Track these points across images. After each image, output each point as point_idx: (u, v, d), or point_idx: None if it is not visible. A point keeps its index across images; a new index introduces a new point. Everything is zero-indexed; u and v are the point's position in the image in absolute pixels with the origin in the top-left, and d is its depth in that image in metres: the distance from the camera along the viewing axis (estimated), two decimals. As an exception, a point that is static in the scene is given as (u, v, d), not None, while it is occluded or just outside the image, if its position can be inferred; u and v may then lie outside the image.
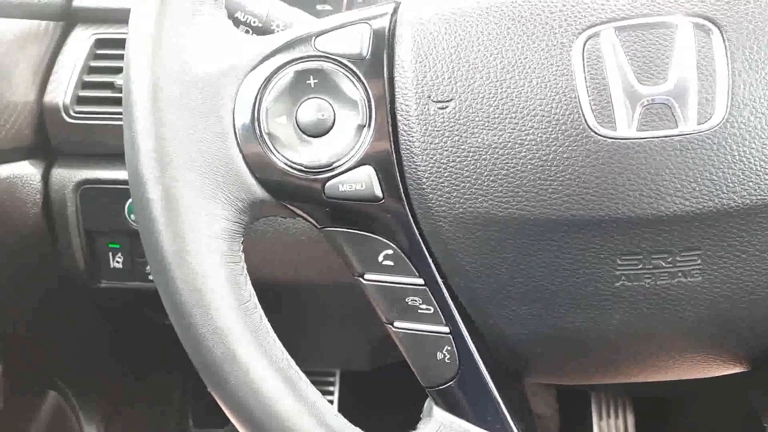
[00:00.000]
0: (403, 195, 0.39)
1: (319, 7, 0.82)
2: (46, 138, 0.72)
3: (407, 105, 0.39)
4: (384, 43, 0.40)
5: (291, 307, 0.86)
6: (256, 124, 0.40)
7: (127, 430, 1.02)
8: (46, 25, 0.72)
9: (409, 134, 0.39)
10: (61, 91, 0.71)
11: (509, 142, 0.38)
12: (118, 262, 0.75)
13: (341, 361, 1.09)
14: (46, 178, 0.72)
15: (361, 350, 1.03)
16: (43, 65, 0.71)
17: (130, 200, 0.72)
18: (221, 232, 0.39)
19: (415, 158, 0.39)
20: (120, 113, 0.71)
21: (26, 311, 0.81)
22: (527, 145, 0.38)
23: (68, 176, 0.72)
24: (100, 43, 0.74)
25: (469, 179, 0.38)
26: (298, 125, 0.40)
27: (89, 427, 0.94)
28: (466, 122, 0.38)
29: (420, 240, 0.40)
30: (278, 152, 0.40)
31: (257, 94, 0.40)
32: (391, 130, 0.39)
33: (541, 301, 0.41)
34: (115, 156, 0.73)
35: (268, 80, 0.40)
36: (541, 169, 0.38)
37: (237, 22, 0.49)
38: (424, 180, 0.39)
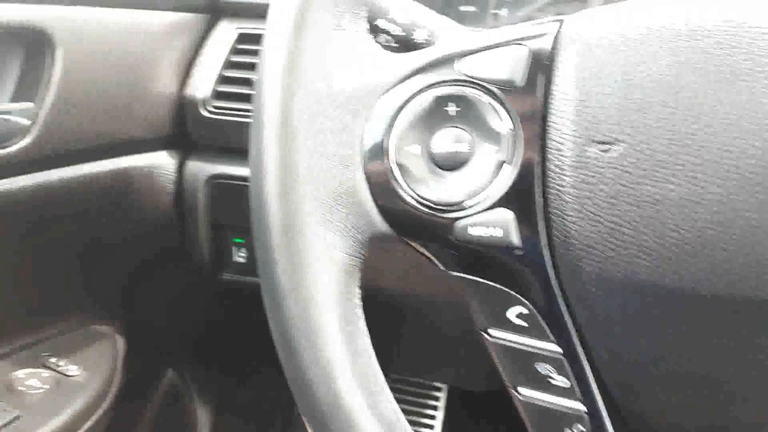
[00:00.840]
0: (546, 248, 0.34)
1: (462, 8, 0.76)
2: (184, 130, 0.73)
3: (562, 144, 0.33)
4: (541, 69, 0.34)
5: (410, 317, 0.83)
6: (386, 151, 0.36)
7: (236, 418, 1.04)
8: (192, 18, 0.73)
9: (560, 178, 0.33)
10: (200, 85, 0.71)
11: (685, 198, 0.31)
12: (241, 256, 0.76)
13: (454, 377, 1.04)
14: (180, 169, 0.73)
15: (477, 369, 0.97)
16: (186, 58, 0.72)
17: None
18: (339, 265, 0.36)
19: (566, 207, 0.33)
20: (248, 110, 0.72)
21: (151, 295, 0.84)
22: (707, 204, 0.31)
23: (201, 169, 0.73)
24: (243, 38, 0.73)
25: (630, 238, 0.32)
26: (431, 156, 0.36)
27: (201, 411, 0.97)
28: (633, 170, 0.32)
29: (562, 302, 0.34)
30: (406, 184, 0.36)
31: (390, 119, 0.36)
32: (539, 171, 0.34)
33: (703, 390, 0.34)
34: (245, 152, 0.73)
35: (404, 104, 0.36)
36: (723, 236, 0.31)
37: (376, 31, 0.45)
38: (574, 233, 0.33)
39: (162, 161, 0.72)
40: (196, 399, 0.97)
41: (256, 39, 0.73)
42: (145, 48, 0.68)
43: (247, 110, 0.70)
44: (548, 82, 0.34)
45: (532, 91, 0.34)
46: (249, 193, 0.36)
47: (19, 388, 0.63)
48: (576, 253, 0.33)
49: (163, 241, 0.77)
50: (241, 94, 0.71)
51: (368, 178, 0.36)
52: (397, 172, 0.36)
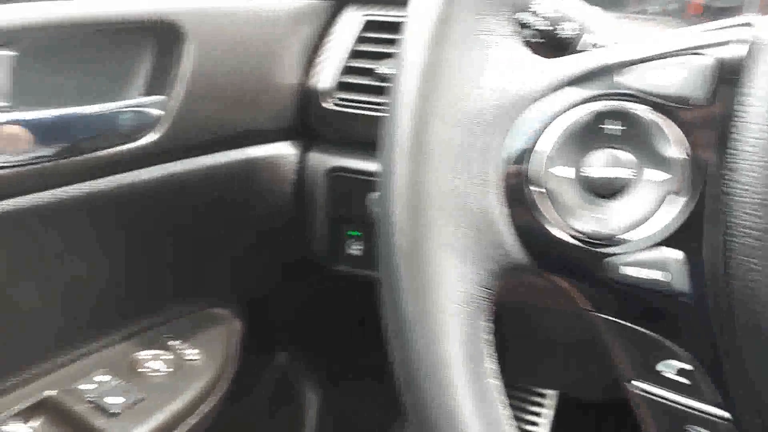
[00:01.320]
0: (724, 297, 0.28)
1: (611, -7, 0.69)
2: (307, 121, 0.72)
3: (752, 176, 0.27)
4: (727, 84, 0.28)
5: (531, 324, 0.79)
6: (530, 172, 0.32)
7: (344, 401, 1.04)
8: (317, 5, 0.71)
9: (748, 218, 0.28)
10: (324, 76, 0.70)
11: None
12: (356, 249, 0.74)
13: (569, 384, 0.99)
14: (302, 160, 0.72)
15: (595, 379, 0.91)
16: (311, 47, 0.71)
17: (372, 193, 0.69)
18: (468, 297, 0.32)
19: (754, 252, 0.27)
20: (377, 104, 0.70)
21: (269, 280, 0.85)
22: None
23: (322, 161, 0.72)
24: (370, 25, 0.71)
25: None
26: (583, 181, 0.31)
27: (311, 395, 0.98)
28: None
29: (736, 360, 0.29)
30: (554, 211, 0.32)
31: (535, 136, 0.32)
32: (718, 206, 0.28)
33: None
34: (367, 145, 0.71)
35: (552, 119, 0.32)
36: None
37: (519, 26, 0.41)
38: (761, 283, 0.27)
39: (284, 152, 0.72)
40: (305, 383, 0.98)
41: (383, 27, 0.70)
42: (271, 37, 0.67)
43: (372, 103, 0.68)
44: (737, 100, 0.28)
45: (714, 109, 0.29)
46: (377, 214, 0.33)
47: (142, 369, 0.65)
48: (762, 306, 0.27)
49: (281, 230, 0.77)
50: (366, 85, 0.68)
51: (508, 202, 0.33)
52: (542, 198, 0.32)
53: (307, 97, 0.71)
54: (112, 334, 0.67)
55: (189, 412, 0.64)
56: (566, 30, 0.44)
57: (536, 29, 0.40)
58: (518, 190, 0.32)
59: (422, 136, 0.32)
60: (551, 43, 0.43)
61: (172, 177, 0.61)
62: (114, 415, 0.58)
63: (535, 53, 0.36)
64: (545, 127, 0.32)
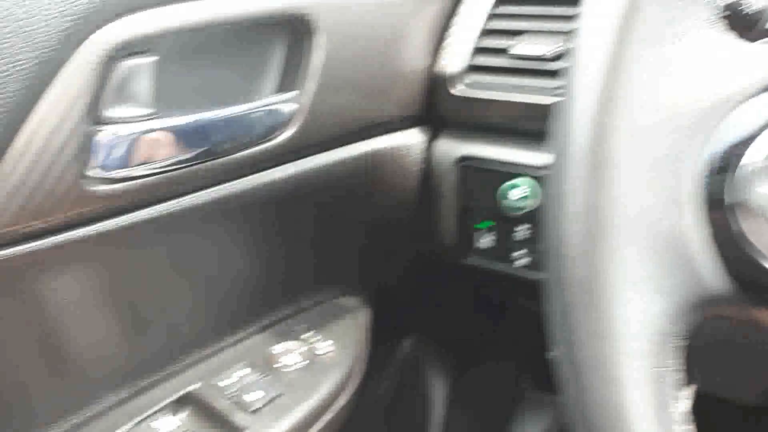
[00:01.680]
0: None
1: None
2: (434, 108, 0.68)
3: None
4: None
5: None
6: (736, 188, 0.27)
7: (472, 387, 1.02)
8: (444, -18, 0.67)
9: None
10: (453, 58, 0.66)
11: None
12: (486, 242, 0.71)
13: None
14: (429, 148, 0.70)
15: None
16: (438, 29, 0.67)
17: (511, 182, 0.65)
18: (657, 336, 0.28)
19: None
20: (512, 87, 0.65)
21: (396, 270, 0.83)
22: None
23: (450, 150, 0.68)
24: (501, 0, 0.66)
25: None
26: None
27: (438, 381, 0.97)
28: None
29: None
30: (766, 234, 0.27)
31: (744, 143, 0.27)
32: None
33: None
34: (499, 132, 0.67)
35: (766, 124, 0.27)
36: None
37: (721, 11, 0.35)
38: None
39: (411, 141, 0.69)
40: (433, 371, 0.96)
41: (517, 0, 0.65)
42: (397, 22, 0.64)
43: (506, 85, 0.64)
44: None
45: None
46: (544, 239, 0.30)
47: (278, 364, 0.66)
48: None
49: (408, 221, 0.75)
50: (500, 67, 0.64)
51: (707, 223, 0.28)
52: (751, 217, 0.27)
53: (436, 82, 0.67)
54: (248, 327, 0.69)
55: (325, 408, 0.64)
56: (752, 5, 0.37)
57: (736, 13, 0.34)
58: (720, 209, 0.28)
59: (602, 148, 0.28)
60: (739, 23, 0.37)
61: (304, 173, 0.61)
62: (254, 411, 0.59)
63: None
64: (756, 134, 0.27)
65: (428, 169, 0.70)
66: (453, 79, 0.66)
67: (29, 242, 0.41)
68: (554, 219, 0.29)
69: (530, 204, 0.65)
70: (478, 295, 0.91)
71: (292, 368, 0.65)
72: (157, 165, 0.47)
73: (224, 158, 0.52)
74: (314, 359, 0.68)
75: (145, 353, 0.59)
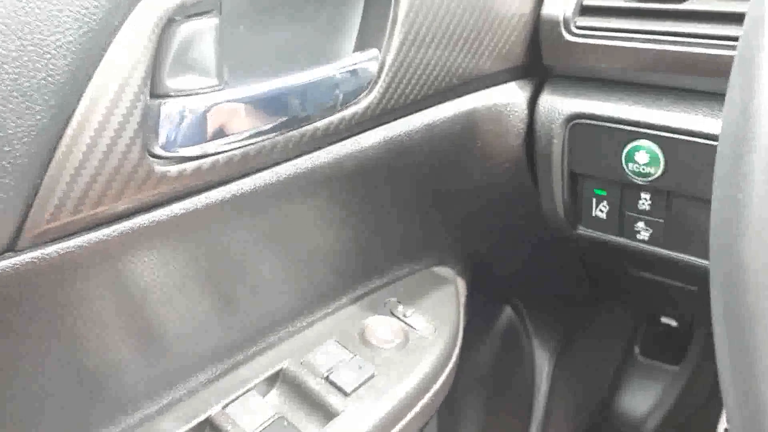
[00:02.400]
0: None
1: None
2: (539, 59, 0.60)
3: None
4: None
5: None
6: None
7: (576, 356, 0.95)
8: None
9: None
10: (562, 1, 0.57)
11: None
12: (601, 211, 0.63)
13: None
14: (533, 106, 0.62)
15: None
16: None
17: (630, 145, 0.57)
18: None
19: None
20: (630, 31, 0.55)
21: (494, 235, 0.77)
22: None
23: (558, 107, 0.60)
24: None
25: None
26: None
27: (540, 351, 0.90)
28: None
29: None
30: None
31: None
32: None
33: None
34: (617, 85, 0.58)
35: None
36: None
37: None
38: None
39: (512, 97, 0.61)
40: (534, 338, 0.90)
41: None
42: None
43: (620, 30, 0.55)
44: None
45: None
46: (709, 241, 0.23)
47: (372, 340, 0.62)
48: None
49: (510, 186, 0.68)
50: (613, 8, 0.55)
51: None
52: None
53: (541, 27, 0.59)
54: (339, 299, 0.65)
55: (424, 390, 0.60)
56: None
57: None
58: None
59: None
60: None
61: (392, 139, 0.55)
62: (348, 393, 0.56)
63: None
64: None
65: (532, 128, 0.62)
66: (561, 24, 0.57)
67: (100, 228, 0.38)
68: (724, 237, 0.22)
69: (654, 171, 0.56)
70: (584, 264, 0.83)
71: (387, 346, 0.62)
72: (231, 140, 0.43)
73: (304, 128, 0.47)
74: (409, 336, 0.63)
75: (234, 331, 0.57)
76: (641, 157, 0.56)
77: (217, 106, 0.41)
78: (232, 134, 0.43)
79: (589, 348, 0.99)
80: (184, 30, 0.37)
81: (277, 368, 0.58)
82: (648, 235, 0.61)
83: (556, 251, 0.80)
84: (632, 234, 0.62)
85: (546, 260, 0.83)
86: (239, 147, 0.44)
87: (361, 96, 0.50)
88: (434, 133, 0.59)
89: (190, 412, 0.53)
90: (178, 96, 0.38)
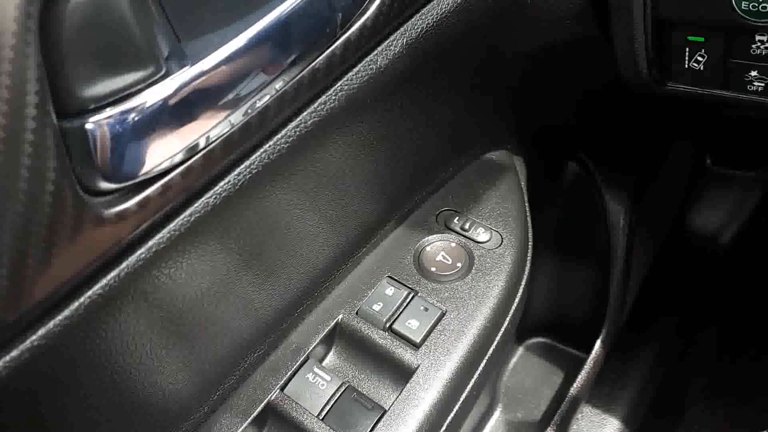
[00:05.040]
0: None
1: None
2: None
3: None
4: None
5: None
6: None
7: (650, 200, 0.85)
8: None
9: None
10: None
11: None
12: (698, 61, 0.48)
13: None
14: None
15: None
16: None
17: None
18: None
19: None
20: None
21: (556, 101, 0.63)
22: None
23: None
24: None
25: None
26: None
27: (612, 202, 0.80)
28: None
29: None
30: None
31: None
32: None
33: None
34: None
35: None
36: None
37: None
38: None
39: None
40: (605, 193, 0.80)
41: None
42: None
43: None
44: None
45: None
46: None
47: (432, 268, 0.52)
48: None
49: (574, 43, 0.53)
50: None
51: None
52: None
53: None
54: (387, 222, 0.55)
55: (500, 316, 0.52)
56: None
57: None
58: None
59: None
60: None
61: (418, 39, 0.41)
62: (418, 345, 0.48)
63: None
64: None
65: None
66: None
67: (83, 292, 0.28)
68: None
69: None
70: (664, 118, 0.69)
71: (450, 273, 0.52)
72: (216, 121, 0.31)
73: (305, 70, 0.34)
74: (474, 253, 0.54)
75: (277, 296, 0.47)
76: (763, -9, 0.41)
77: (179, 92, 0.28)
78: (216, 115, 0.30)
79: (662, 188, 0.89)
80: (78, 6, 0.23)
81: (331, 324, 0.50)
82: (764, 84, 0.47)
83: (633, 107, 0.66)
84: (741, 85, 0.48)
85: (618, 117, 0.70)
86: (234, 125, 0.31)
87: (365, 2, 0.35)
88: (469, 8, 0.44)
89: (244, 404, 0.47)
90: (103, 105, 0.25)
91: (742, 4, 0.42)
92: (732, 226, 0.96)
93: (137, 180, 0.28)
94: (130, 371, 0.37)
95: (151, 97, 0.27)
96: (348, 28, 0.34)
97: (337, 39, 0.34)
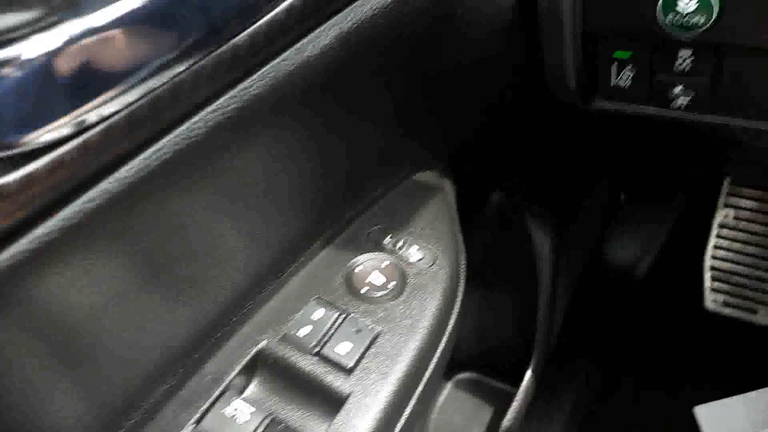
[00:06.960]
0: None
1: None
2: None
3: None
4: None
5: None
6: None
7: (577, 226, 0.86)
8: None
9: None
10: None
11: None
12: (625, 77, 0.49)
13: None
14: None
15: None
16: None
17: None
18: None
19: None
20: None
21: (483, 119, 0.63)
22: None
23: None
24: None
25: None
26: None
27: (538, 232, 0.80)
28: None
29: None
30: None
31: None
32: None
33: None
34: None
35: None
36: None
37: None
38: None
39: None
40: (530, 219, 0.80)
41: None
42: None
43: None
44: None
45: None
46: None
47: (362, 289, 0.49)
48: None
49: (502, 57, 0.53)
50: None
51: None
52: None
53: None
54: (314, 242, 0.51)
55: (438, 335, 0.49)
56: None
57: None
58: None
59: None
60: None
61: (349, 32, 0.38)
62: (349, 369, 0.44)
63: None
64: None
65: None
66: None
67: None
68: None
69: (703, 20, 0.42)
70: (590, 139, 0.71)
71: (382, 293, 0.49)
72: (117, 91, 0.26)
73: (222, 47, 0.30)
74: (406, 273, 0.51)
75: (188, 321, 0.42)
76: (686, 4, 0.42)
77: (70, 46, 0.24)
78: (119, 78, 0.26)
79: (582, 222, 0.91)
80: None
81: (252, 351, 0.45)
82: (687, 100, 0.48)
83: (560, 128, 0.66)
84: (665, 102, 0.49)
85: (545, 139, 0.70)
86: (141, 96, 0.27)
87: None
88: (403, 11, 0.42)
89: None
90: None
91: (667, 19, 0.43)
92: (646, 259, 1.00)
93: (16, 150, 0.23)
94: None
95: (36, 47, 0.22)
96: (275, 6, 0.31)
97: (263, 15, 0.31)
